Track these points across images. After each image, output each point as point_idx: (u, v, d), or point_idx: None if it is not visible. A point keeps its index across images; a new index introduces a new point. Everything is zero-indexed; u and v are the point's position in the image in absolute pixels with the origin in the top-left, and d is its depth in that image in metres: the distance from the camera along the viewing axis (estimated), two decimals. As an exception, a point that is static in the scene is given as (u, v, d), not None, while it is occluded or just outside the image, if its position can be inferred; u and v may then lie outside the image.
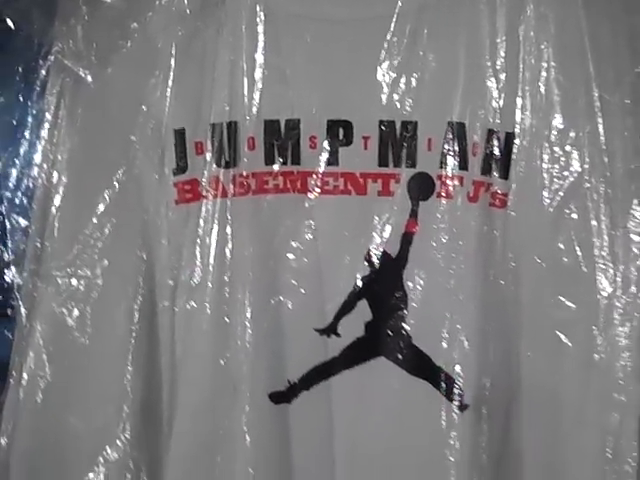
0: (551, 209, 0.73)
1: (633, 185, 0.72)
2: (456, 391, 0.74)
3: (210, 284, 0.75)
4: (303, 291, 0.75)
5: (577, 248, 0.72)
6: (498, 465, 0.75)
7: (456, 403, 0.74)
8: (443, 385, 0.74)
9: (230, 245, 0.75)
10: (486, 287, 0.74)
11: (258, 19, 0.74)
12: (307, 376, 0.76)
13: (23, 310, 0.75)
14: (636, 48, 0.73)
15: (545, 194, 0.73)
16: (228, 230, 0.75)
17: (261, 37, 0.74)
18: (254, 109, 0.75)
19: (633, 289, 0.72)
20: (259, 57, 0.74)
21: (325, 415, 0.76)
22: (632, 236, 0.72)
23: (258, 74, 0.74)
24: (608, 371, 0.71)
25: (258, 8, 0.74)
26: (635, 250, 0.72)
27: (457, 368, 0.74)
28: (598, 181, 0.72)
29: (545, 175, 0.73)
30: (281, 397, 0.76)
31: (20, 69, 0.75)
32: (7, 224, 0.76)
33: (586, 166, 0.72)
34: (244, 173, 0.75)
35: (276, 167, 0.75)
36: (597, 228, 0.72)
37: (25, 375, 0.74)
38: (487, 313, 0.75)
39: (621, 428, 0.71)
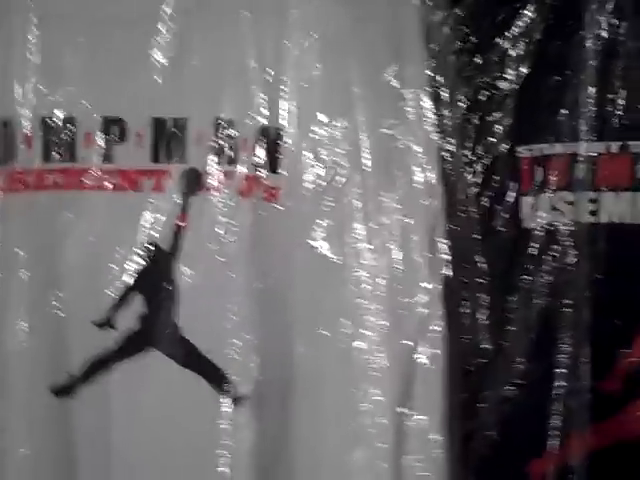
0: (316, 202, 0.76)
1: (383, 178, 0.76)
2: (230, 384, 0.75)
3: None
4: (80, 285, 0.76)
5: (330, 240, 0.75)
6: (277, 454, 0.76)
7: (230, 396, 0.75)
8: (217, 378, 0.76)
9: (2, 240, 0.76)
10: (260, 280, 0.76)
11: (30, 21, 0.76)
12: (86, 369, 0.76)
13: None
14: (394, 47, 0.77)
15: (311, 187, 0.76)
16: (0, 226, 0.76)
17: (33, 38, 0.76)
18: (29, 107, 0.76)
19: (381, 281, 0.75)
20: (34, 58, 0.76)
21: (104, 409, 0.76)
22: (384, 225, 0.76)
23: (31, 73, 0.76)
24: (362, 357, 0.75)
25: (29, 11, 0.76)
26: (387, 240, 0.75)
27: (231, 361, 0.75)
28: (354, 175, 0.76)
29: (311, 169, 0.76)
30: (62, 391, 0.77)
31: None
32: None
33: (344, 162, 0.76)
34: (20, 169, 0.76)
35: (52, 164, 0.76)
36: (354, 218, 0.75)
37: None
38: (262, 305, 0.77)
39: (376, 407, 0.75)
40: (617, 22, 0.80)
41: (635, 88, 0.79)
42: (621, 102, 0.80)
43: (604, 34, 0.80)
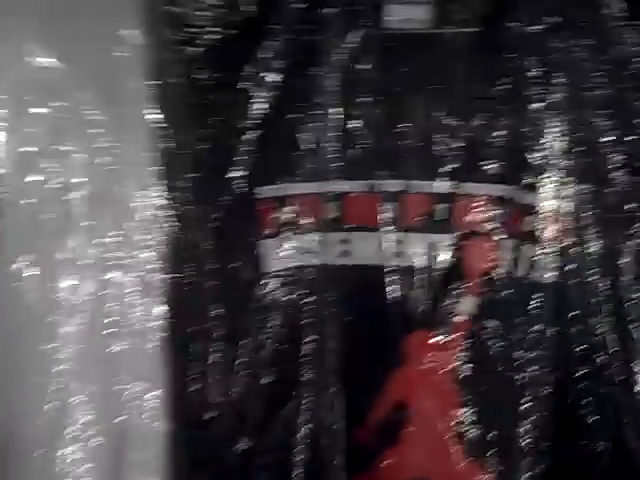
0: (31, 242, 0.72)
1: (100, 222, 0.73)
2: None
3: None
4: None
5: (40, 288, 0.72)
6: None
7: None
8: None
9: None
10: None
11: None
12: None
13: None
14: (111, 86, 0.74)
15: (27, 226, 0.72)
16: None
17: None
18: None
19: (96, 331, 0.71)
20: None
21: None
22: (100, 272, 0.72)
23: None
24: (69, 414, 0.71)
25: None
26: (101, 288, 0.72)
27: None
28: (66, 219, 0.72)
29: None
30: None
31: None
32: None
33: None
34: None
35: None
36: (67, 264, 0.72)
37: None
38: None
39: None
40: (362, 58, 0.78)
41: (379, 125, 0.77)
42: (366, 140, 0.77)
43: (347, 71, 0.77)
